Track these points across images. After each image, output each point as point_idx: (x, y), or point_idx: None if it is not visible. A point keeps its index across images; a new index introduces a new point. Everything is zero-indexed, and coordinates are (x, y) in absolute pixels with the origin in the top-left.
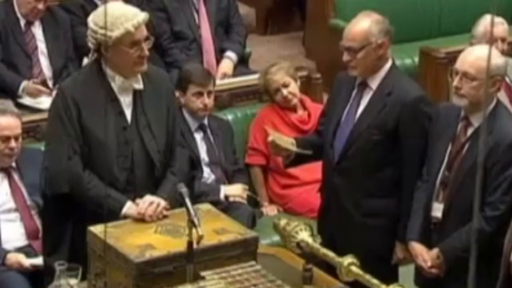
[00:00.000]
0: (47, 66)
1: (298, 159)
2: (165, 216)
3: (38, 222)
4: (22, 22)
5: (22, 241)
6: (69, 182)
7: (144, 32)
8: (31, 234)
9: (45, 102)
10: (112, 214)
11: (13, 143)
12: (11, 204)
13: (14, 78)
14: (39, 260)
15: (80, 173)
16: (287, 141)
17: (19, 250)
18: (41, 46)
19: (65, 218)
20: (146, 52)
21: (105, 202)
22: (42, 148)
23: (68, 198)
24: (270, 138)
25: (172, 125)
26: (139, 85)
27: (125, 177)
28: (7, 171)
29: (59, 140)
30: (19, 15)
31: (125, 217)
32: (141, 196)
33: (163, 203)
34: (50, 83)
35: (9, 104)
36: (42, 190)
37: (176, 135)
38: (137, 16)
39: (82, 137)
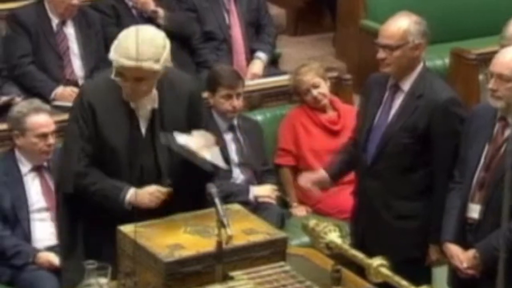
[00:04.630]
0: (78, 67)
1: (340, 175)
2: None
3: None
4: (54, 23)
5: (52, 240)
6: (74, 181)
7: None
8: None
9: None
10: (119, 207)
11: (51, 140)
12: (43, 204)
13: (46, 82)
14: None
15: (85, 170)
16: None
17: (50, 249)
18: (73, 46)
19: (77, 219)
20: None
21: (109, 192)
22: None
23: (80, 200)
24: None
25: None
26: (154, 105)
27: (135, 187)
28: (39, 170)
29: (73, 141)
30: (51, 16)
31: (130, 204)
32: (148, 210)
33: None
34: (81, 84)
35: (39, 102)
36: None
37: None
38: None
39: (96, 141)
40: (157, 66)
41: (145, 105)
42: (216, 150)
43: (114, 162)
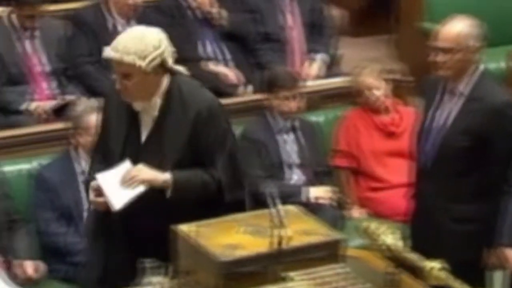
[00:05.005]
0: None
1: None
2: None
3: None
4: (111, 23)
5: None
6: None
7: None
8: None
9: None
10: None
11: None
12: None
13: (103, 82)
14: None
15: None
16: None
17: None
18: None
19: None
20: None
21: None
22: None
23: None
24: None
25: (205, 151)
26: (154, 112)
27: None
28: None
29: (95, 144)
30: (109, 15)
31: None
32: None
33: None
34: None
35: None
36: None
37: (217, 160)
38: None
39: (102, 140)
40: (140, 62)
41: (148, 111)
42: (128, 192)
43: (109, 165)
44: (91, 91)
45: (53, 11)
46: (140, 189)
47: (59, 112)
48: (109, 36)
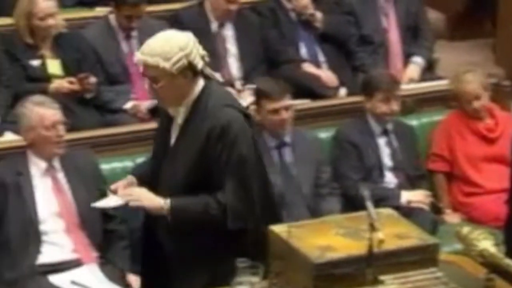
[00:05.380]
0: (236, 68)
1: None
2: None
3: None
4: (213, 25)
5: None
6: None
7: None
8: None
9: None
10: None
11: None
12: None
13: None
14: None
15: None
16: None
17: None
18: (231, 48)
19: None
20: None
21: None
22: None
23: None
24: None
25: (215, 171)
26: (180, 119)
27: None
28: None
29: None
30: (210, 17)
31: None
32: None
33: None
34: (238, 84)
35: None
36: None
37: (226, 183)
38: None
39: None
40: (164, 64)
41: (177, 117)
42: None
43: (153, 168)
44: None
45: (152, 12)
46: (120, 202)
47: (155, 111)
48: (212, 37)
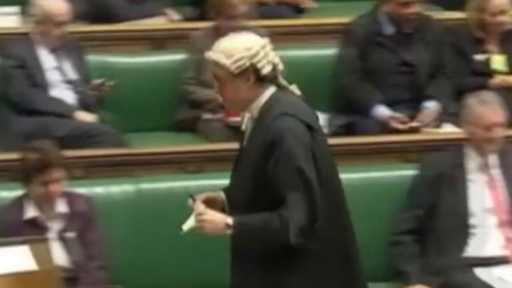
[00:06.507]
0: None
1: None
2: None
3: None
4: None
5: None
6: None
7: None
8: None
9: None
10: None
11: None
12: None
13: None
14: None
15: None
16: None
17: None
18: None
19: None
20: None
21: None
22: None
23: None
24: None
25: (274, 185)
26: (243, 125)
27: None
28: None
29: None
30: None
31: None
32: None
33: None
34: None
35: None
36: None
37: (288, 198)
38: None
39: None
40: (224, 61)
41: (246, 125)
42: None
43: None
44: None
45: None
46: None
47: None
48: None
